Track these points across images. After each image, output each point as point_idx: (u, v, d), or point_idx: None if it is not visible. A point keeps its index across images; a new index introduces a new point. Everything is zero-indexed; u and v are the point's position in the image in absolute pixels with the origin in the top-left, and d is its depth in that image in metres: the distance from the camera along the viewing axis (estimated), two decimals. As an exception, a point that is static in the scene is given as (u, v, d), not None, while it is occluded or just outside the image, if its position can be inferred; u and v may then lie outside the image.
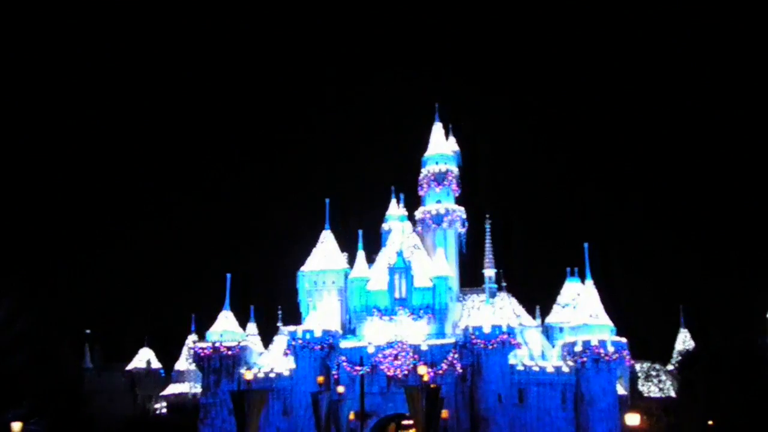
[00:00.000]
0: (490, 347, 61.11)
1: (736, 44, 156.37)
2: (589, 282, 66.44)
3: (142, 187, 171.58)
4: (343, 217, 76.39)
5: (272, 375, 66.84)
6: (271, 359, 70.06)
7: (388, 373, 61.76)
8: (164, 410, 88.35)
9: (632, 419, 37.09)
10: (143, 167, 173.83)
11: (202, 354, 68.40)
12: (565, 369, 63.73)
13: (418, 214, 70.98)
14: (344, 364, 62.87)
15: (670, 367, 75.88)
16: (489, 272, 72.43)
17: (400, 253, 67.18)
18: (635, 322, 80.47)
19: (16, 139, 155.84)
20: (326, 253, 72.21)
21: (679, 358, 67.09)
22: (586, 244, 66.42)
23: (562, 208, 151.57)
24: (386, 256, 68.79)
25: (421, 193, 72.04)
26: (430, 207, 70.42)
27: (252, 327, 78.84)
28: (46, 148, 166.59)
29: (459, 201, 71.71)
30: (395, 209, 73.19)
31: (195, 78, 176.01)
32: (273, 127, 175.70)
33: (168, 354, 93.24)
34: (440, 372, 60.57)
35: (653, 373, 76.23)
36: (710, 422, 51.79)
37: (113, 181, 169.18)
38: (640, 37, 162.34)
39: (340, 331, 66.67)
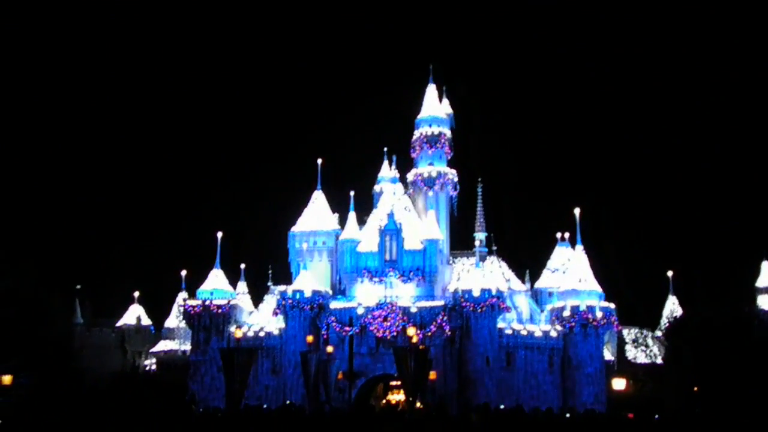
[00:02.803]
0: (479, 310, 61.44)
1: (725, 21, 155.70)
2: (579, 247, 66.65)
3: (133, 144, 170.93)
4: (334, 178, 76.37)
5: (262, 334, 67.22)
6: (260, 318, 70.36)
7: (377, 334, 62.10)
8: (154, 367, 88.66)
9: (618, 384, 37.49)
10: (134, 125, 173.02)
11: (192, 312, 68.69)
12: (553, 333, 64.19)
13: (410, 176, 70.96)
14: (334, 324, 63.18)
15: (657, 334, 76.29)
16: (479, 236, 72.60)
17: (391, 215, 67.21)
18: (624, 288, 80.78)
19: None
20: (317, 213, 72.26)
21: (667, 324, 67.37)
22: (577, 210, 66.53)
23: (554, 172, 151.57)
24: (377, 217, 68.84)
25: (413, 155, 71.95)
26: (422, 169, 70.37)
27: (242, 286, 79.03)
28: (35, 107, 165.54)
29: (451, 164, 71.69)
30: (387, 171, 73.16)
31: (186, 38, 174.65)
32: (266, 86, 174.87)
33: (158, 311, 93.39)
34: (429, 334, 60.88)
35: (640, 339, 76.69)
36: (695, 388, 52.20)
37: (104, 137, 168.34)
38: (633, 6, 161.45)
39: (330, 292, 66.94)
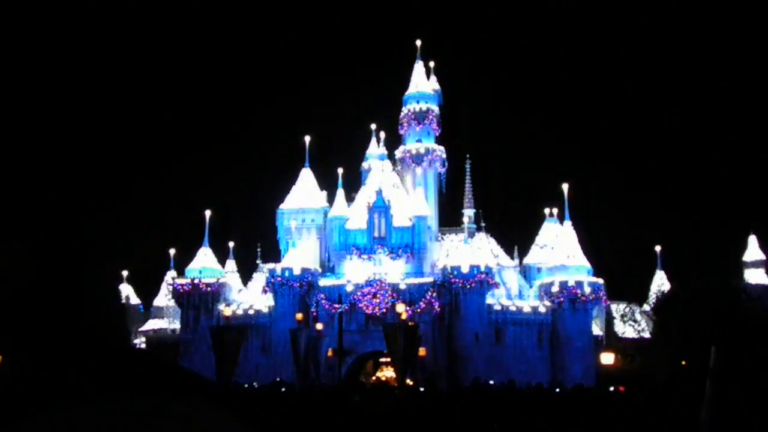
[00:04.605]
0: (468, 287, 61.56)
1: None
2: (568, 223, 66.82)
3: (120, 123, 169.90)
4: (322, 155, 76.23)
5: (251, 312, 67.22)
6: (249, 296, 70.33)
7: (367, 311, 62.17)
8: (143, 346, 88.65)
9: (607, 358, 37.58)
10: (121, 103, 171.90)
11: (181, 290, 68.66)
12: (542, 309, 64.40)
13: (398, 153, 70.82)
14: (323, 301, 63.22)
15: (645, 308, 76.57)
16: (468, 212, 72.71)
17: (379, 192, 67.14)
18: (612, 263, 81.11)
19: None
20: (305, 191, 72.16)
21: (655, 299, 67.63)
22: (565, 185, 66.58)
23: (542, 148, 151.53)
24: (366, 195, 68.79)
25: (401, 132, 71.79)
26: (410, 146, 70.25)
27: (231, 264, 78.87)
28: (21, 84, 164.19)
29: (439, 140, 71.58)
30: (375, 148, 73.06)
31: (173, 13, 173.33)
32: (253, 64, 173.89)
33: (147, 290, 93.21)
34: (418, 310, 60.96)
35: (629, 313, 76.99)
36: (683, 363, 52.48)
37: (91, 116, 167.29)
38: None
39: (319, 269, 66.92)
